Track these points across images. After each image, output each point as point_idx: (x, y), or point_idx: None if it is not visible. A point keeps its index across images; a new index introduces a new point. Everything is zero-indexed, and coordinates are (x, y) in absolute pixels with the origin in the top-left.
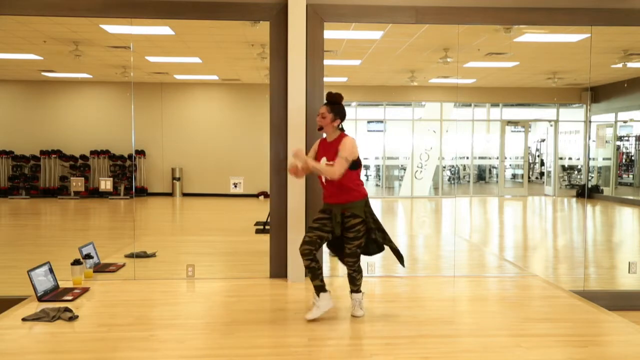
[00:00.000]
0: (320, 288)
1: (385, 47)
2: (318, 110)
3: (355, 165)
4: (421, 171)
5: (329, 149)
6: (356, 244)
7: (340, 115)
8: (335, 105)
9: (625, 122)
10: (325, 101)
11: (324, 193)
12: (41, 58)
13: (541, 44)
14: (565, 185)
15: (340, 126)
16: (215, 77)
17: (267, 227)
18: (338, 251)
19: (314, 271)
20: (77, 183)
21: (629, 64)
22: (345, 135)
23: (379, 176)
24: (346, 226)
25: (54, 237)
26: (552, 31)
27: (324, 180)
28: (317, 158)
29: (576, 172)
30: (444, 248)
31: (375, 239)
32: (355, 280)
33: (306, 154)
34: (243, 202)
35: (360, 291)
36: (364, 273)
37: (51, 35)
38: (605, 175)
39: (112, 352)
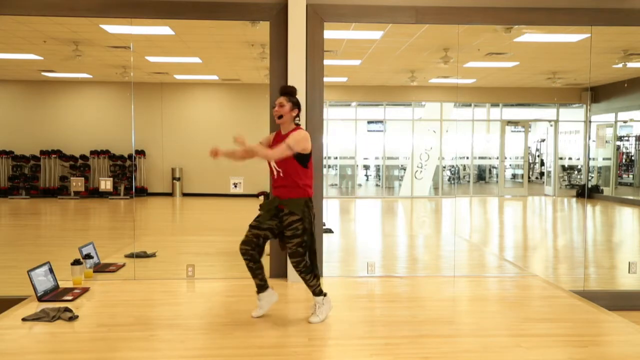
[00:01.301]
0: (260, 287)
1: (385, 47)
2: (275, 102)
3: (306, 161)
4: (421, 171)
5: (280, 141)
6: (296, 242)
7: (298, 106)
8: (292, 96)
9: (625, 122)
10: (281, 93)
11: (272, 185)
12: (41, 58)
13: (541, 44)
14: (565, 185)
15: (297, 120)
16: (215, 77)
17: None
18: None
19: (252, 271)
20: (77, 183)
21: (629, 64)
22: (300, 128)
23: (379, 176)
24: (284, 224)
25: (54, 237)
26: (552, 31)
27: (274, 172)
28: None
29: (576, 172)
30: (444, 248)
31: (309, 242)
32: (306, 281)
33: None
34: (243, 202)
35: (321, 293)
36: (363, 273)
37: (51, 35)
38: (605, 175)
39: (112, 352)
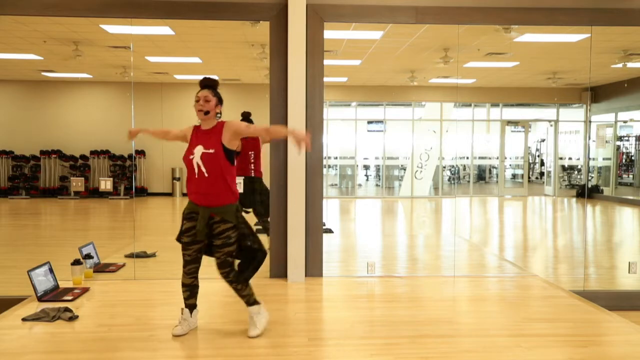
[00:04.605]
0: (194, 306)
1: (385, 47)
2: (198, 96)
3: (233, 158)
4: (421, 171)
5: (208, 137)
6: (226, 251)
7: (221, 101)
8: (215, 90)
9: (625, 122)
10: (204, 86)
11: (192, 189)
12: (41, 58)
13: (541, 44)
14: (565, 185)
15: (219, 116)
16: (215, 77)
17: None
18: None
19: (192, 289)
20: (77, 183)
21: (629, 64)
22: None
23: (379, 176)
24: (215, 232)
25: (54, 237)
26: (552, 31)
27: (196, 171)
28: (190, 145)
29: (576, 172)
30: (444, 248)
31: (251, 245)
32: (239, 292)
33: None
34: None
35: (256, 303)
36: (363, 273)
37: (51, 35)
38: (605, 175)
39: (112, 352)
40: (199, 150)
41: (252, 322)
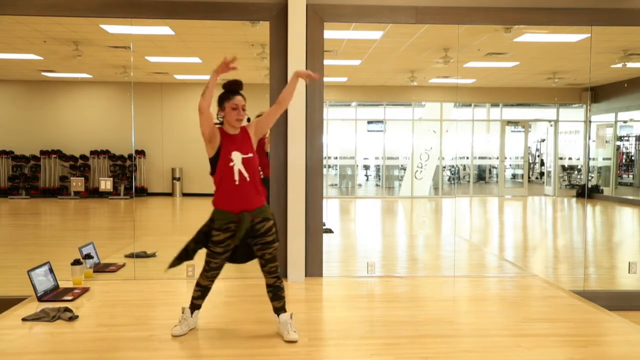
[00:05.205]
0: (199, 306)
1: (385, 47)
2: (237, 103)
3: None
4: (421, 171)
5: (241, 142)
6: (276, 246)
7: None
8: None
9: (625, 122)
10: (237, 92)
11: (231, 196)
12: (41, 58)
13: (541, 44)
14: (565, 185)
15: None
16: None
17: None
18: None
19: (207, 292)
20: (77, 183)
21: (629, 64)
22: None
23: (379, 176)
24: (261, 232)
25: (54, 237)
26: (552, 31)
27: (238, 180)
28: (225, 151)
29: (576, 172)
30: (444, 248)
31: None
32: (281, 291)
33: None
34: None
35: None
36: (363, 273)
37: (51, 35)
38: (605, 175)
39: (112, 352)
40: (237, 156)
41: (290, 326)
